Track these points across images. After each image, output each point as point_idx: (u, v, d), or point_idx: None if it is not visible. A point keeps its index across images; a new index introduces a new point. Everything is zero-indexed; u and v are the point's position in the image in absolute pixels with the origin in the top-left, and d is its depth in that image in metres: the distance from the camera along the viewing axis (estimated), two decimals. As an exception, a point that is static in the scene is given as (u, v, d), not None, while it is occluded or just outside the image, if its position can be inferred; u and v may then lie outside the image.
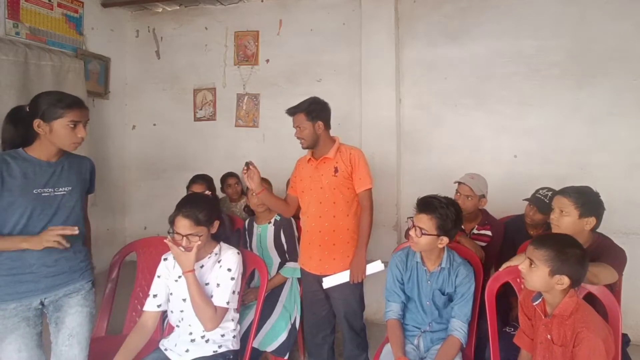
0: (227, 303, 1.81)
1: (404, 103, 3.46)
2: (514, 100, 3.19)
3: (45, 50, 3.32)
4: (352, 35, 3.56)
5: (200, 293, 1.75)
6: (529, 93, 3.16)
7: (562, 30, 3.06)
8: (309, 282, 2.35)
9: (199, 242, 1.74)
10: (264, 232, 2.58)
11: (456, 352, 1.81)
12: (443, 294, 1.90)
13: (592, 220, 1.78)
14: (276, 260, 2.57)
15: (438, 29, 3.36)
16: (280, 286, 2.52)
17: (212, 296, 1.81)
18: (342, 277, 2.22)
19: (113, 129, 4.18)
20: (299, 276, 2.49)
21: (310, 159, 2.31)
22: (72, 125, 1.65)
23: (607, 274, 1.67)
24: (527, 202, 2.40)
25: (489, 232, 2.46)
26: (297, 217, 2.55)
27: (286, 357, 2.31)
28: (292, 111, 2.22)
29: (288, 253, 2.55)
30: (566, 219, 1.79)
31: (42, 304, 1.73)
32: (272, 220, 2.59)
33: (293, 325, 2.40)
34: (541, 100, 3.13)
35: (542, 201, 2.28)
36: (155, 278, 1.88)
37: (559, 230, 1.81)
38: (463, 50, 3.29)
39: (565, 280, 1.46)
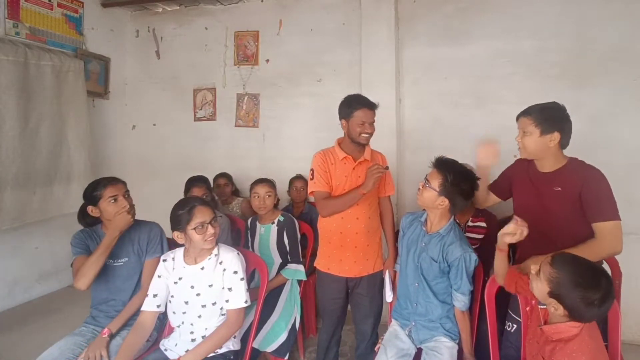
0: (245, 302, 1.82)
1: (404, 103, 3.46)
2: (514, 100, 3.17)
3: (45, 50, 3.32)
4: (352, 35, 3.56)
5: (211, 343, 1.76)
6: (529, 93, 3.12)
7: (562, 30, 3.06)
8: (331, 288, 2.24)
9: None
10: (267, 232, 2.58)
11: (463, 319, 1.87)
12: (435, 261, 1.87)
13: (555, 136, 1.70)
14: (277, 260, 2.56)
15: (438, 29, 3.36)
16: (280, 287, 2.51)
17: (227, 300, 1.81)
18: (388, 280, 2.24)
19: (113, 129, 4.18)
20: (300, 278, 2.48)
21: (346, 156, 2.17)
22: (113, 201, 1.94)
23: (613, 243, 1.65)
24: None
25: (483, 224, 2.46)
26: (299, 218, 2.55)
27: (286, 358, 2.30)
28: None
29: (290, 255, 2.54)
30: (527, 139, 1.74)
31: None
32: (276, 221, 2.58)
33: (293, 325, 2.39)
34: (541, 100, 3.06)
35: None
36: (155, 278, 1.87)
37: (525, 153, 1.78)
38: (463, 50, 3.29)
39: (560, 310, 1.32)
